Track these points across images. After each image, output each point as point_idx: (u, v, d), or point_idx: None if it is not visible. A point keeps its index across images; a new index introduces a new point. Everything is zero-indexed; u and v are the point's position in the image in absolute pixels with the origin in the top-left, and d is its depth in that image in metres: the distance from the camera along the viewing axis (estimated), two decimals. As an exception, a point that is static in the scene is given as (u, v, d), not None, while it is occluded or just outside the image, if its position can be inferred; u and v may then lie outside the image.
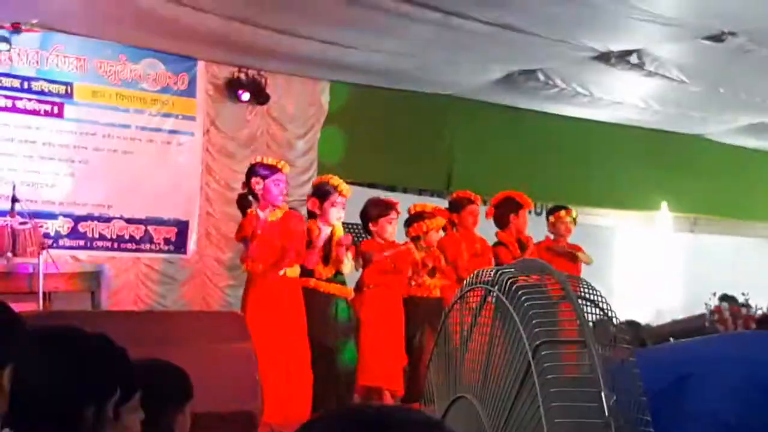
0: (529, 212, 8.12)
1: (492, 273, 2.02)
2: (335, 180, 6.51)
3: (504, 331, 1.91)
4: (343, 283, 6.53)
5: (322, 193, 6.47)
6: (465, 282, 2.14)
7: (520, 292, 1.89)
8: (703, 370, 2.08)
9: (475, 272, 2.11)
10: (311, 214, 6.51)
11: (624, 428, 1.72)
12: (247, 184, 6.24)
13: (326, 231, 6.39)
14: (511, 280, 1.94)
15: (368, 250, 6.78)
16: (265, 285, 6.03)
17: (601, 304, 1.94)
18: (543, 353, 1.78)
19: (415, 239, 7.08)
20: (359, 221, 7.09)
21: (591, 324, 1.85)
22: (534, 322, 1.82)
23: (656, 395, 1.77)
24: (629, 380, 1.79)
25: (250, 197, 6.21)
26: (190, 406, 2.88)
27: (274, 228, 6.12)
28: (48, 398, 1.86)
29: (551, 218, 8.26)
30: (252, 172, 6.22)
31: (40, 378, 1.87)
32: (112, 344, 2.00)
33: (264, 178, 6.14)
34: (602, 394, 1.70)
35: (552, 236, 8.23)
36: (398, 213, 6.98)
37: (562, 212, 8.22)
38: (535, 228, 8.24)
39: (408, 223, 7.17)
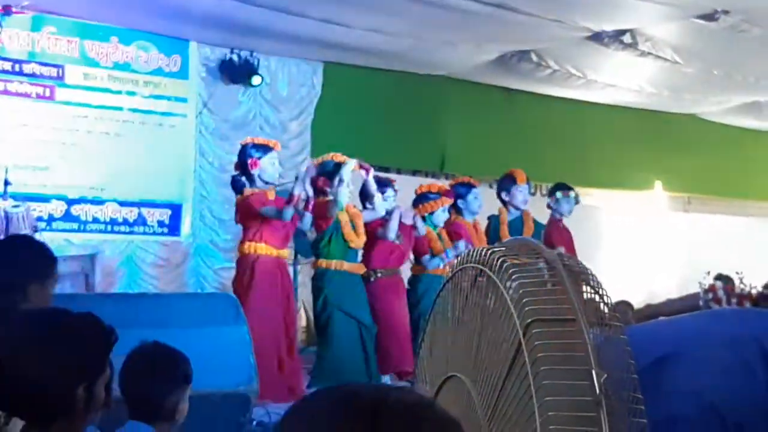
0: (527, 188, 7.89)
1: (483, 252, 2.01)
2: (339, 156, 6.48)
3: (495, 310, 1.91)
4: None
5: (327, 171, 6.45)
6: (456, 261, 2.14)
7: (511, 271, 1.88)
8: (684, 348, 2.08)
9: (467, 251, 2.11)
10: (320, 192, 6.45)
11: (615, 406, 1.72)
12: (240, 165, 6.16)
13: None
14: (501, 259, 1.94)
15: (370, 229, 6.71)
16: (266, 265, 5.98)
17: (592, 283, 1.93)
18: (534, 331, 1.78)
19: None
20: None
21: (582, 302, 1.84)
22: (525, 300, 1.81)
23: (638, 373, 1.77)
24: (620, 358, 1.80)
25: (244, 178, 6.14)
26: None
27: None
28: (39, 380, 1.85)
29: (558, 194, 8.04)
30: (245, 153, 6.13)
31: (29, 360, 1.87)
32: (100, 322, 2.00)
33: (259, 158, 6.07)
34: (593, 372, 1.70)
35: (555, 215, 8.04)
36: (395, 191, 6.95)
37: (571, 192, 7.98)
38: (533, 207, 8.09)
39: (415, 204, 7.15)
